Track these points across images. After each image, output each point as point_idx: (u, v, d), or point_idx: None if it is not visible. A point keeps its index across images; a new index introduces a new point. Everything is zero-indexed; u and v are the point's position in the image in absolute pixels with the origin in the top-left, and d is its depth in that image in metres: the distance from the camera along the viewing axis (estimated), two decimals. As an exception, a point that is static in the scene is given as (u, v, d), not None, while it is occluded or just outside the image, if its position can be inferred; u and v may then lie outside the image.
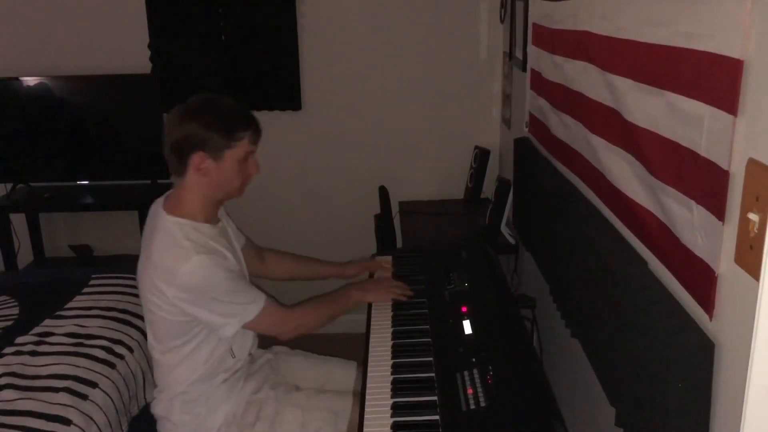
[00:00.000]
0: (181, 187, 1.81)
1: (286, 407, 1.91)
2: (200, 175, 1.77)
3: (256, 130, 1.81)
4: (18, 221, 3.28)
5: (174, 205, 1.80)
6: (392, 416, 1.52)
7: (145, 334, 2.32)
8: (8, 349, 2.15)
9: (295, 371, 2.10)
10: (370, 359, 1.76)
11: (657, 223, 1.20)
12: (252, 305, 1.79)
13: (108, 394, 2.03)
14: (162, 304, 1.75)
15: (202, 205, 1.81)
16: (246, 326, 1.82)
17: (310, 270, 2.29)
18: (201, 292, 1.73)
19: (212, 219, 1.85)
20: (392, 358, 1.75)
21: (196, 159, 1.75)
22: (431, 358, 1.71)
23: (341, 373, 2.11)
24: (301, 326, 1.90)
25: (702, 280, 1.03)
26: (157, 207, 1.84)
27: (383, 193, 2.88)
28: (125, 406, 2.11)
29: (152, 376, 2.28)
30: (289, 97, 3.25)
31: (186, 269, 1.69)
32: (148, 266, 1.76)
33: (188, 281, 1.70)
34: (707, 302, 1.02)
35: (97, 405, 1.97)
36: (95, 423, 1.92)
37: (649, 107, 1.19)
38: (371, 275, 2.25)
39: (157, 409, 1.92)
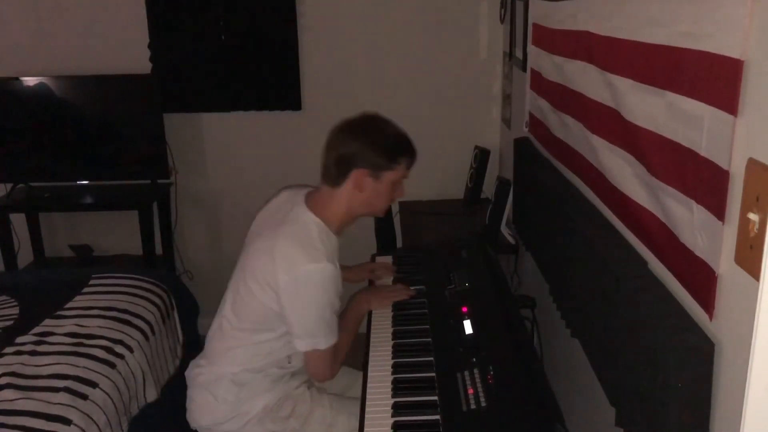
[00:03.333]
0: (330, 194, 1.85)
1: (317, 408, 1.93)
2: (356, 190, 1.82)
3: (413, 157, 1.89)
4: (18, 221, 3.28)
5: (317, 205, 1.84)
6: (393, 416, 1.52)
7: (145, 334, 2.33)
8: (8, 349, 2.15)
9: None
10: (370, 359, 1.76)
11: (657, 223, 1.20)
12: (329, 338, 1.80)
13: (108, 394, 2.03)
14: (265, 285, 1.77)
15: (343, 216, 1.86)
16: (309, 353, 1.82)
17: None
18: (307, 296, 1.74)
19: (340, 232, 1.89)
20: (393, 358, 1.75)
21: (358, 175, 1.80)
22: (431, 358, 1.71)
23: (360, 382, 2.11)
24: (335, 373, 1.92)
25: (702, 280, 1.03)
26: (297, 197, 1.88)
27: (383, 193, 2.88)
28: (125, 406, 2.11)
29: (152, 374, 2.29)
30: (289, 97, 3.25)
31: (311, 269, 1.71)
32: (268, 247, 1.77)
33: (306, 280, 1.72)
34: (707, 302, 1.02)
35: (97, 405, 1.97)
36: (95, 423, 1.92)
37: (649, 107, 1.19)
38: (371, 283, 2.25)
39: (201, 378, 1.92)
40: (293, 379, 1.96)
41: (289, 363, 1.92)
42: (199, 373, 1.94)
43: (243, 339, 1.87)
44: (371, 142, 1.81)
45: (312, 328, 1.78)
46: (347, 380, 2.10)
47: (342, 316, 1.96)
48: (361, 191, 1.83)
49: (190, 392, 1.97)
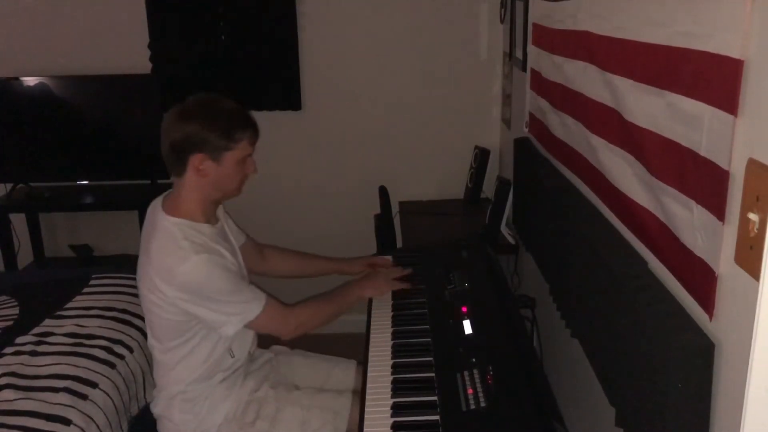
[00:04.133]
0: (179, 187, 1.81)
1: (286, 406, 1.91)
2: (199, 176, 1.77)
3: (254, 132, 1.82)
4: (18, 221, 3.28)
5: (173, 206, 1.80)
6: (392, 416, 1.52)
7: (145, 334, 2.33)
8: (8, 349, 2.15)
9: (295, 370, 2.10)
10: (370, 359, 1.76)
11: (657, 223, 1.20)
12: (253, 303, 1.80)
13: (108, 394, 2.03)
14: (161, 303, 1.75)
15: (200, 205, 1.81)
16: (248, 325, 1.82)
17: (312, 266, 2.29)
18: (200, 292, 1.73)
19: (211, 219, 1.86)
20: (392, 358, 1.75)
21: (196, 160, 1.75)
22: (431, 358, 1.71)
23: (341, 372, 2.11)
24: (302, 325, 1.90)
25: (702, 281, 1.03)
26: (156, 207, 1.84)
27: (383, 193, 2.88)
28: (125, 406, 2.11)
29: (152, 375, 2.29)
30: (289, 97, 3.25)
31: (185, 269, 1.70)
32: (147, 266, 1.77)
33: (187, 281, 1.71)
34: (707, 302, 1.02)
35: (97, 405, 1.97)
36: (95, 423, 1.92)
37: (649, 107, 1.19)
38: None
39: (157, 409, 1.92)
40: (248, 382, 1.94)
41: (233, 357, 1.89)
42: (155, 405, 1.94)
43: (173, 357, 1.84)
44: (203, 123, 1.74)
45: (229, 310, 1.77)
46: (323, 372, 2.09)
47: (328, 292, 1.96)
48: (205, 176, 1.77)
49: (157, 428, 1.95)
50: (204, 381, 1.86)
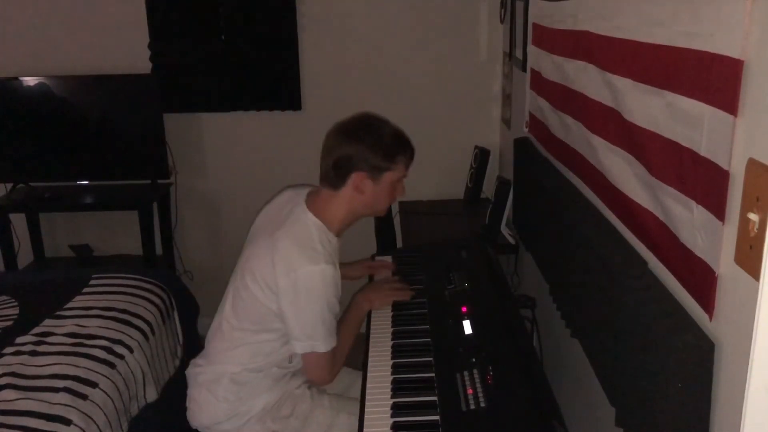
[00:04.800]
0: (330, 197, 1.85)
1: (317, 407, 1.93)
2: (356, 192, 1.82)
3: (412, 155, 1.88)
4: (18, 221, 3.28)
5: (318, 207, 1.84)
6: (392, 416, 1.52)
7: (145, 334, 2.33)
8: (8, 349, 2.15)
9: None
10: (370, 359, 1.76)
11: (657, 223, 1.20)
12: (328, 340, 1.80)
13: (108, 394, 2.03)
14: (264, 286, 1.77)
15: (344, 218, 1.86)
16: (307, 354, 1.83)
17: None
18: (306, 298, 1.74)
19: (340, 233, 1.89)
20: (392, 358, 1.75)
21: (357, 178, 1.80)
22: (431, 358, 1.71)
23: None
24: (337, 373, 1.92)
25: (702, 280, 1.03)
26: (298, 198, 1.88)
27: (383, 193, 2.88)
28: (125, 406, 2.11)
29: (152, 374, 2.29)
30: (289, 97, 3.25)
31: (310, 270, 1.72)
32: (267, 247, 1.78)
33: (305, 282, 1.72)
34: (707, 302, 1.02)
35: (97, 405, 1.97)
36: (95, 423, 1.92)
37: (649, 107, 1.19)
38: (371, 278, 2.24)
39: (201, 377, 1.92)
40: (294, 379, 1.96)
41: (290, 363, 1.92)
42: (199, 372, 1.94)
43: (243, 339, 1.87)
44: (368, 143, 1.80)
45: (310, 331, 1.78)
46: (347, 380, 2.10)
47: (342, 317, 1.96)
48: (362, 193, 1.83)
49: (190, 391, 1.97)
50: (258, 372, 1.88)
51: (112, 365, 2.13)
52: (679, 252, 1.10)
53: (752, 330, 0.86)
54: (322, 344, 1.80)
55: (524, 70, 2.41)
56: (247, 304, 1.84)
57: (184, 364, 2.16)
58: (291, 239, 1.77)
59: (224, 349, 1.90)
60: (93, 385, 2.01)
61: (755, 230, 0.85)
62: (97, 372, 2.07)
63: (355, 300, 2.04)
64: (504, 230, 2.66)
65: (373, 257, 2.40)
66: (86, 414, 1.91)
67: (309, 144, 3.33)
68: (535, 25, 2.19)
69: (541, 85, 2.11)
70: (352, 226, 1.95)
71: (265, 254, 1.78)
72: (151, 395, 2.28)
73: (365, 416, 1.53)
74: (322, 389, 2.01)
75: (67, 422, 1.85)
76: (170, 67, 3.20)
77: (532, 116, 2.29)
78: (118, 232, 3.43)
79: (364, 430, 1.49)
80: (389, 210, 2.89)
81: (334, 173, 1.82)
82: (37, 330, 2.27)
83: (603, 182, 1.49)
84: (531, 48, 2.26)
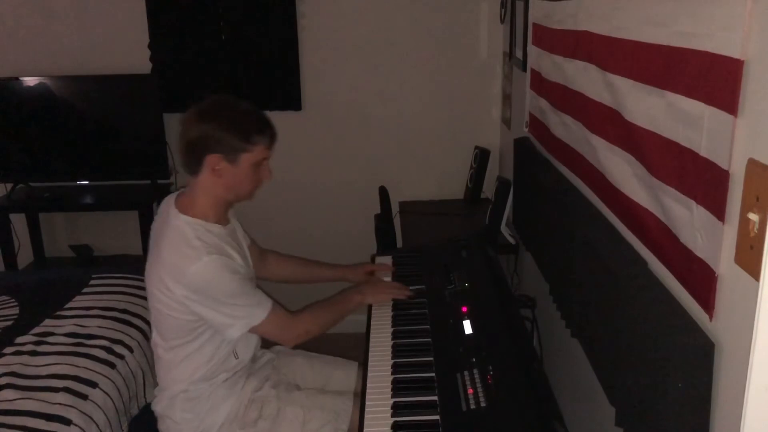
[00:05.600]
0: (193, 186, 1.82)
1: (287, 406, 1.91)
2: (214, 176, 1.77)
3: (272, 136, 1.82)
4: (18, 221, 3.28)
5: (186, 205, 1.81)
6: (392, 416, 1.52)
7: (145, 334, 2.33)
8: (8, 349, 2.15)
9: (296, 371, 2.10)
10: (370, 359, 1.76)
11: (657, 223, 1.20)
12: (258, 308, 1.80)
13: (108, 394, 2.03)
14: (169, 301, 1.75)
15: (213, 205, 1.82)
16: (252, 330, 1.82)
17: (313, 273, 2.29)
18: (209, 293, 1.73)
19: (222, 220, 1.86)
20: (392, 358, 1.75)
21: (212, 160, 1.76)
22: (431, 358, 1.71)
23: (342, 373, 2.11)
24: (306, 333, 1.91)
25: (702, 281, 1.03)
26: (169, 205, 1.85)
27: (383, 193, 2.88)
28: (125, 406, 2.11)
29: (152, 375, 2.29)
30: (289, 97, 3.25)
31: (196, 269, 1.70)
32: (157, 263, 1.77)
33: (197, 281, 1.71)
34: (707, 302, 1.02)
35: (97, 405, 1.97)
36: (95, 423, 1.92)
37: (649, 107, 1.19)
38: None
39: (158, 407, 1.92)
40: (251, 381, 1.94)
41: (237, 358, 1.89)
42: (156, 403, 1.94)
43: (177, 355, 1.84)
44: (222, 124, 1.74)
45: (235, 313, 1.77)
46: (325, 373, 2.09)
47: (332, 297, 1.97)
48: (220, 177, 1.77)
49: (158, 427, 1.95)
50: (207, 381, 1.86)
51: (112, 365, 2.13)
52: (679, 252, 1.10)
53: (752, 330, 0.85)
54: (256, 314, 1.79)
55: (524, 70, 2.41)
56: (164, 322, 1.82)
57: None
58: (169, 249, 1.75)
59: (166, 372, 1.89)
60: (93, 385, 2.02)
61: (755, 230, 0.85)
62: (97, 372, 2.07)
63: (346, 291, 2.04)
64: (504, 230, 2.66)
65: (373, 257, 2.40)
66: (86, 414, 1.91)
67: (309, 144, 3.34)
68: (535, 25, 2.19)
69: (541, 85, 2.11)
70: (236, 205, 1.92)
71: (156, 272, 1.77)
72: (151, 395, 2.28)
73: (365, 416, 1.53)
74: (291, 386, 1.99)
75: (67, 422, 1.85)
76: (170, 67, 3.20)
77: (532, 116, 2.29)
78: (118, 232, 3.43)
79: (364, 430, 1.49)
80: (389, 210, 2.89)
81: (189, 156, 1.77)
82: (37, 330, 2.27)
83: (603, 182, 1.49)
84: (531, 48, 2.26)
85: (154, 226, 1.89)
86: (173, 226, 1.77)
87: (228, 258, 1.76)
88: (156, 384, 1.96)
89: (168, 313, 1.78)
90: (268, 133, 1.81)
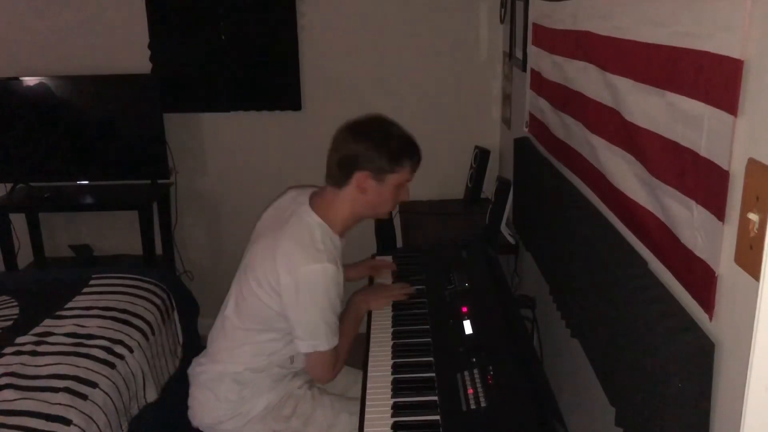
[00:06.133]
0: (334, 195, 1.84)
1: (318, 407, 1.93)
2: (359, 192, 1.82)
3: (418, 160, 1.87)
4: (18, 221, 3.28)
5: (321, 207, 1.84)
6: (392, 416, 1.52)
7: (145, 334, 2.33)
8: (8, 349, 2.15)
9: None
10: (370, 359, 1.76)
11: (657, 223, 1.20)
12: (331, 340, 1.80)
13: (108, 394, 2.03)
14: (266, 286, 1.77)
15: (347, 218, 1.86)
16: (307, 355, 1.83)
17: None
18: (308, 297, 1.74)
19: (344, 233, 1.89)
20: (392, 358, 1.75)
21: (361, 177, 1.80)
22: (431, 358, 1.71)
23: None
24: (339, 371, 1.92)
25: (702, 280, 1.03)
26: (302, 197, 1.88)
27: (383, 193, 2.88)
28: (125, 406, 2.11)
29: (152, 375, 2.29)
30: (289, 97, 3.25)
31: (313, 269, 1.72)
32: (271, 248, 1.78)
33: (306, 280, 1.72)
34: (707, 302, 1.02)
35: (97, 405, 1.97)
36: (95, 423, 1.92)
37: (649, 107, 1.19)
38: (371, 280, 2.24)
39: (202, 377, 1.93)
40: (296, 379, 1.96)
41: (292, 363, 1.92)
42: (201, 372, 1.94)
43: (245, 339, 1.87)
44: (375, 144, 1.80)
45: (313, 330, 1.78)
46: (347, 380, 2.10)
47: (341, 318, 1.96)
48: (364, 193, 1.82)
49: (192, 390, 1.97)
50: (261, 371, 1.89)
51: (112, 365, 2.13)
52: (679, 252, 1.10)
53: (752, 330, 0.86)
54: (325, 343, 1.80)
55: (524, 70, 2.41)
56: (250, 304, 1.84)
57: (185, 364, 2.16)
58: (293, 239, 1.77)
59: (227, 348, 1.90)
60: (93, 385, 2.01)
61: (755, 230, 0.85)
62: (97, 372, 2.07)
63: (353, 300, 2.04)
64: (504, 230, 2.66)
65: (373, 257, 2.40)
66: (86, 414, 1.91)
67: (309, 144, 3.34)
68: (535, 25, 2.19)
69: (541, 85, 2.11)
70: (353, 227, 1.95)
71: (267, 254, 1.78)
72: (151, 395, 2.28)
73: (365, 416, 1.54)
74: (323, 389, 2.02)
75: (67, 422, 1.85)
76: (170, 67, 3.20)
77: (532, 116, 2.29)
78: (118, 232, 3.43)
79: (365, 430, 1.49)
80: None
81: (339, 170, 1.82)
82: (37, 330, 2.27)
83: (603, 182, 1.49)
84: (531, 48, 2.26)
85: (273, 211, 1.94)
86: (302, 220, 1.80)
87: (341, 273, 1.79)
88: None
89: (259, 295, 1.79)
90: (416, 158, 1.86)
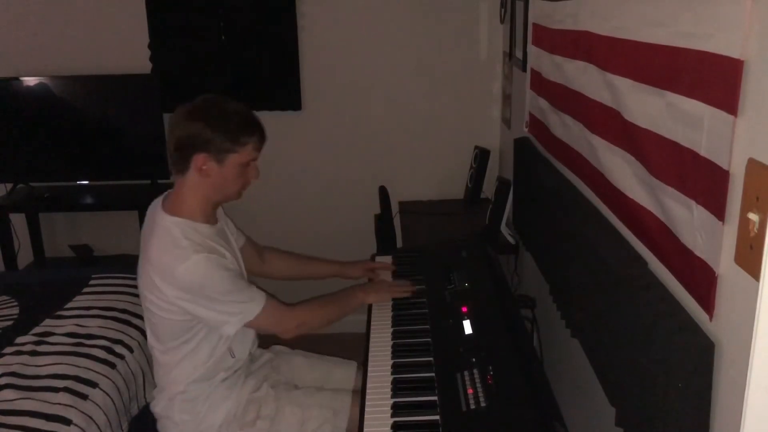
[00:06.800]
0: (180, 186, 1.81)
1: (285, 405, 1.91)
2: (201, 176, 1.77)
3: (261, 137, 1.81)
4: (18, 221, 3.28)
5: (173, 205, 1.80)
6: (392, 416, 1.52)
7: (145, 334, 2.33)
8: (8, 349, 2.15)
9: (295, 371, 2.10)
10: (370, 359, 1.76)
11: (657, 223, 1.20)
12: (252, 303, 1.80)
13: (108, 394, 2.03)
14: (161, 303, 1.75)
15: (200, 205, 1.81)
16: (248, 325, 1.82)
17: (311, 269, 2.29)
18: (200, 291, 1.73)
19: (211, 219, 1.85)
20: (392, 357, 1.75)
21: (199, 160, 1.75)
22: (431, 358, 1.71)
23: (341, 372, 2.11)
24: (304, 324, 1.90)
25: (702, 280, 1.03)
26: (156, 207, 1.84)
27: (383, 193, 2.88)
28: (125, 406, 2.11)
29: (152, 375, 2.29)
30: (289, 97, 3.25)
31: (184, 268, 1.69)
32: (147, 266, 1.77)
33: (187, 280, 1.70)
34: (707, 302, 1.02)
35: (97, 405, 1.97)
36: (95, 423, 1.92)
37: (649, 107, 1.19)
38: (370, 280, 2.24)
39: (157, 408, 1.92)
40: (249, 381, 1.94)
41: (234, 357, 1.89)
42: (155, 405, 1.94)
43: (174, 357, 1.84)
44: (210, 123, 1.73)
45: (229, 309, 1.76)
46: (324, 370, 2.09)
47: (331, 294, 1.96)
48: (207, 176, 1.76)
49: (157, 427, 1.96)
50: (204, 381, 1.86)
51: (112, 365, 2.13)
52: (679, 252, 1.10)
53: (752, 330, 0.86)
54: (251, 307, 1.78)
55: (524, 70, 2.41)
56: (160, 326, 1.82)
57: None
58: (158, 249, 1.74)
59: (165, 374, 1.89)
60: (93, 385, 2.02)
61: (755, 230, 0.85)
62: (97, 372, 2.07)
63: (350, 289, 2.04)
64: (504, 230, 2.66)
65: (373, 257, 2.40)
66: (86, 414, 1.91)
67: (309, 144, 3.34)
68: (535, 25, 2.19)
69: (541, 85, 2.11)
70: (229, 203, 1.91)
71: (146, 274, 1.77)
72: (151, 395, 2.28)
73: (365, 416, 1.53)
74: (290, 386, 1.99)
75: (67, 422, 1.85)
76: (170, 67, 3.20)
77: (532, 116, 2.29)
78: (118, 232, 3.43)
79: (365, 430, 1.49)
80: (389, 210, 2.89)
81: (177, 155, 1.77)
82: (37, 330, 2.27)
83: (603, 182, 1.49)
84: (531, 48, 2.26)
85: (143, 230, 1.88)
86: (161, 227, 1.76)
87: (217, 255, 1.75)
88: (155, 385, 1.96)
89: (162, 315, 1.78)
90: (256, 134, 1.79)
